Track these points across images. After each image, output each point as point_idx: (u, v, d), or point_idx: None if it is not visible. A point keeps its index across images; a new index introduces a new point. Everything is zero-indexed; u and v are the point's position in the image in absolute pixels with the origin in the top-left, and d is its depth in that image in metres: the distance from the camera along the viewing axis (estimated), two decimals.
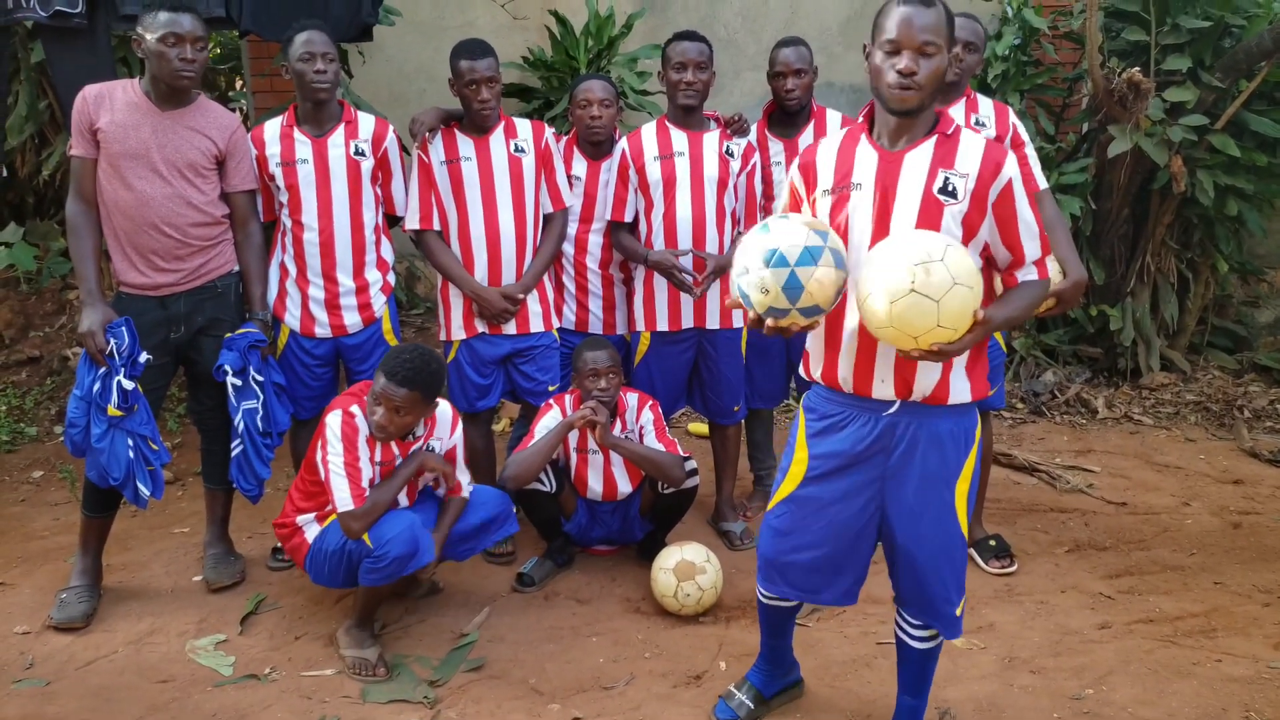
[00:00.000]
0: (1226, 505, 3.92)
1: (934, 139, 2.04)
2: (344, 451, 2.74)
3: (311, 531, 2.89)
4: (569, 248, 3.45)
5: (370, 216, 3.23)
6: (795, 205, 2.20)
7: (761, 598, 2.43)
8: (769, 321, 1.97)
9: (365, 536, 2.72)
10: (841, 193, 2.09)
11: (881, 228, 2.03)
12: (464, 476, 3.05)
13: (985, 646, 2.89)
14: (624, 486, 3.35)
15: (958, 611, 2.19)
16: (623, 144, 3.34)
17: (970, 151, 2.02)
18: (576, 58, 4.96)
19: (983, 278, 2.00)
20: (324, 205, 3.15)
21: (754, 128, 3.44)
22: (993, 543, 3.41)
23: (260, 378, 3.07)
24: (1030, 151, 3.17)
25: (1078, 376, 5.24)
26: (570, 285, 3.49)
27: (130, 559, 3.40)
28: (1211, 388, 5.13)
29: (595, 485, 3.32)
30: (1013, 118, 3.17)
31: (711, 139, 3.30)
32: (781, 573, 2.27)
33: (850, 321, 2.09)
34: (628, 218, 3.37)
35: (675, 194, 3.26)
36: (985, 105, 3.15)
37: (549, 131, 3.32)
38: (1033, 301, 2.07)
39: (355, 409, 2.81)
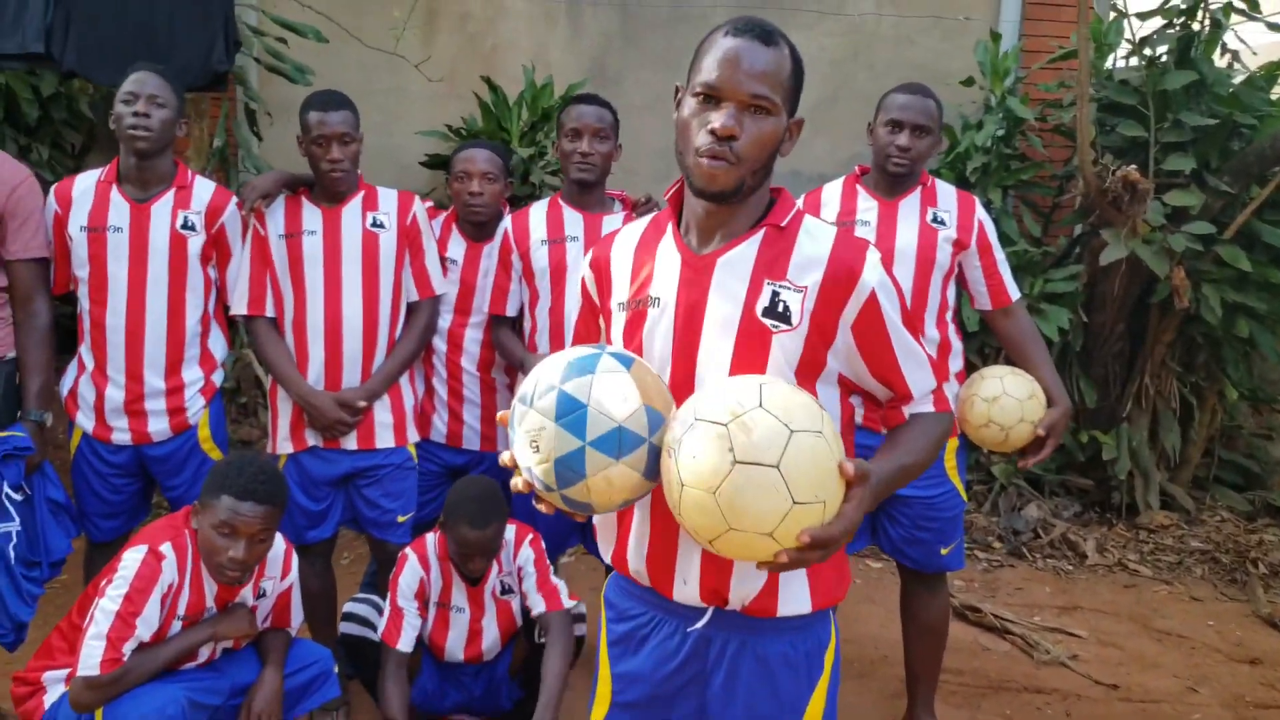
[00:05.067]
0: (1242, 694, 3.22)
1: (760, 235, 1.44)
2: (125, 600, 2.11)
3: (55, 694, 2.21)
4: (441, 345, 2.85)
5: (196, 303, 2.64)
6: (588, 319, 1.60)
7: None
8: (519, 479, 1.36)
9: (99, 716, 2.06)
10: (637, 308, 1.48)
11: (683, 364, 1.42)
12: (297, 612, 2.46)
13: None
14: (490, 645, 2.67)
15: None
16: (506, 224, 2.77)
17: (811, 253, 1.42)
18: (508, 128, 4.47)
19: (839, 412, 1.46)
20: (135, 286, 2.57)
21: None
22: None
23: (17, 495, 2.43)
24: (1000, 255, 2.61)
25: (1065, 510, 4.59)
26: (441, 390, 2.87)
27: None
28: (1220, 534, 4.46)
29: (455, 649, 2.65)
30: (979, 213, 2.60)
31: (613, 222, 2.72)
32: None
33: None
34: (510, 312, 2.78)
35: (565, 285, 2.67)
36: (946, 196, 2.58)
37: (419, 204, 2.76)
38: (933, 441, 1.47)
39: (168, 549, 2.19)
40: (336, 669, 2.51)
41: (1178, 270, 4.09)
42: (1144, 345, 4.56)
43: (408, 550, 2.59)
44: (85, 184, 2.61)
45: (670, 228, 1.50)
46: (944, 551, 2.63)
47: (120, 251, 2.56)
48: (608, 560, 1.57)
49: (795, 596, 1.45)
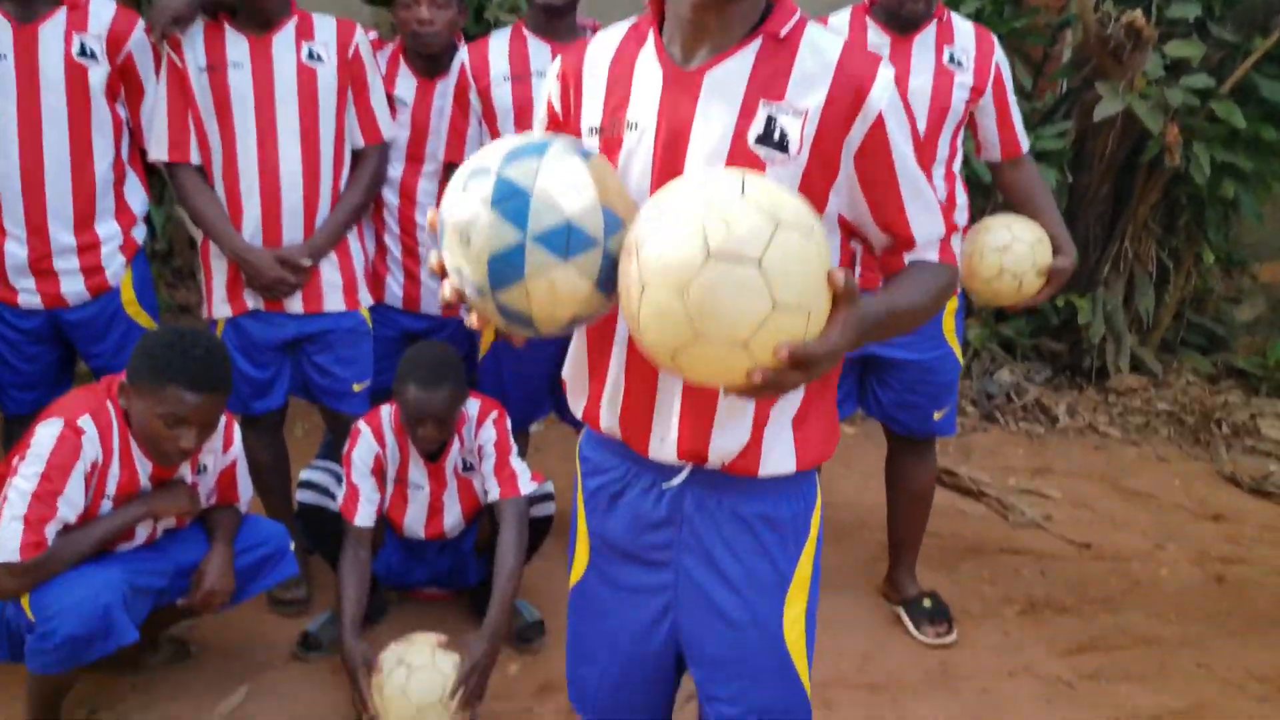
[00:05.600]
0: (1207, 550, 3.24)
1: (755, 45, 1.22)
2: (42, 479, 1.89)
3: None
4: (393, 197, 2.57)
5: (106, 146, 2.32)
6: None
7: None
8: (448, 285, 1.16)
9: (25, 603, 1.88)
10: (613, 133, 1.26)
11: None
12: (245, 487, 2.28)
13: None
14: (454, 524, 2.53)
15: None
16: (462, 57, 2.45)
17: (813, 68, 1.20)
18: None
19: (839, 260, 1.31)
20: (28, 124, 2.23)
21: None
22: (928, 603, 2.67)
23: None
24: (1014, 101, 2.41)
25: (1037, 374, 4.55)
26: (395, 248, 2.61)
27: None
28: (1186, 396, 4.46)
29: (415, 526, 2.50)
30: (998, 54, 2.37)
31: None
32: (578, 688, 1.55)
33: (619, 343, 1.31)
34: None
35: (532, 128, 2.38)
36: (964, 33, 2.33)
37: (361, 34, 2.42)
38: (932, 292, 1.31)
39: (87, 423, 1.95)
40: (293, 545, 2.35)
41: (1171, 127, 3.89)
42: (1127, 207, 4.41)
43: (360, 424, 2.39)
44: None
45: (651, 35, 1.26)
46: (937, 416, 2.52)
47: (5, 83, 2.20)
48: (579, 415, 1.42)
49: (779, 455, 1.31)
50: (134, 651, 2.26)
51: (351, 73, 2.38)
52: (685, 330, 1.04)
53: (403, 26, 2.47)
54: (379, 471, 2.39)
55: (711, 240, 1.02)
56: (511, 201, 1.07)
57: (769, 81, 1.20)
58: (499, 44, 2.42)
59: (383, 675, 2.04)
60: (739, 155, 1.20)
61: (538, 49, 2.40)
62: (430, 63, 2.51)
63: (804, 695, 1.39)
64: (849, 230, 1.31)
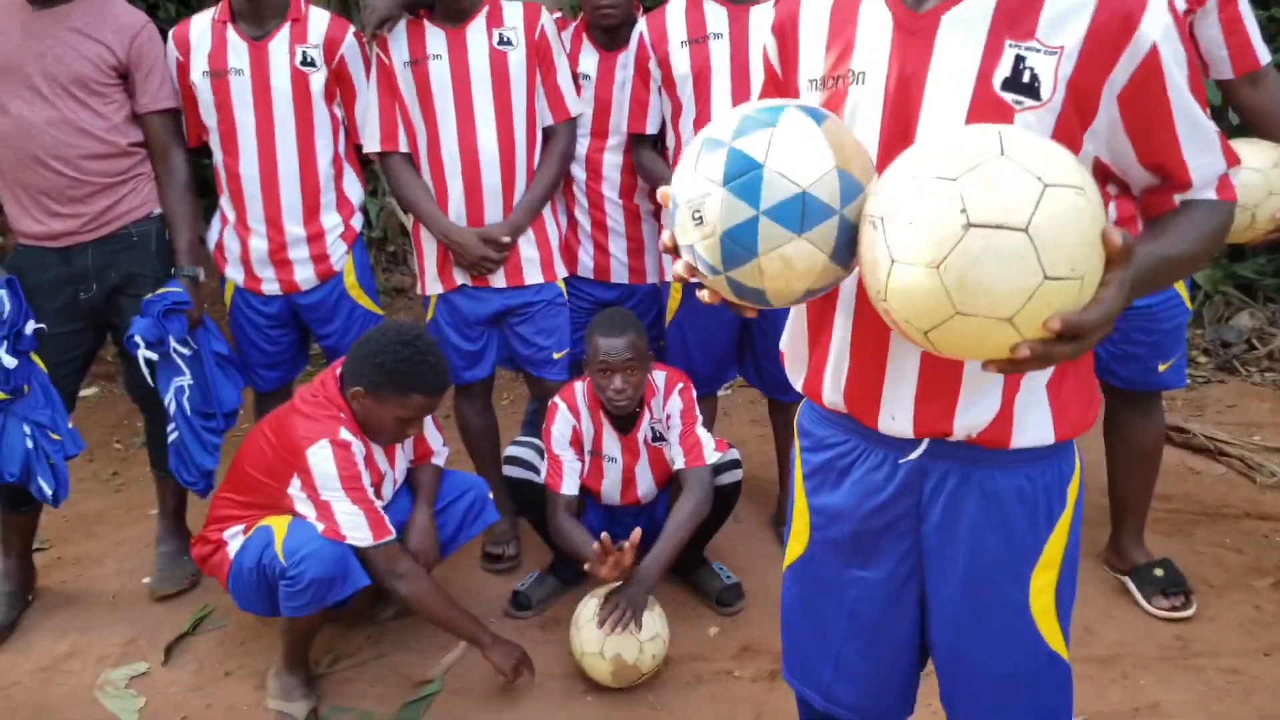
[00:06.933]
0: None
1: None
2: (346, 491, 2.15)
3: (236, 545, 2.28)
4: (580, 172, 2.64)
5: (326, 145, 2.54)
6: (769, 97, 1.30)
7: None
8: (681, 263, 1.12)
9: (279, 550, 2.11)
10: (836, 87, 1.18)
11: (894, 157, 1.05)
12: (434, 438, 2.46)
13: None
14: (646, 491, 2.59)
15: None
16: (641, 27, 2.47)
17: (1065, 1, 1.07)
18: None
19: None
20: (264, 131, 2.47)
21: None
22: (1159, 572, 2.46)
23: (184, 350, 2.47)
24: (1245, 5, 2.12)
25: None
26: (585, 221, 2.69)
27: (87, 550, 2.93)
28: None
29: (611, 494, 2.59)
30: None
31: (765, 15, 2.38)
32: (801, 664, 1.48)
33: (843, 309, 1.23)
34: (651, 129, 2.52)
35: (710, 92, 2.38)
36: None
37: (547, 16, 2.50)
38: (1208, 236, 1.15)
39: (346, 434, 2.19)
40: (491, 494, 2.52)
41: None
42: None
43: (556, 400, 2.49)
44: (201, 25, 2.50)
45: None
46: (1161, 368, 2.31)
47: (244, 95, 2.46)
48: (798, 388, 1.36)
49: (1035, 425, 1.19)
50: (367, 606, 2.51)
51: (539, 54, 2.47)
52: (942, 307, 0.94)
53: (585, 3, 2.52)
54: (577, 443, 2.48)
55: (970, 206, 0.91)
56: (744, 177, 1.03)
57: (1016, 16, 1.09)
58: (676, 10, 2.42)
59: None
60: (983, 103, 1.09)
61: (714, 11, 2.38)
62: (611, 36, 2.55)
63: (1055, 660, 1.29)
64: (1104, 174, 1.18)
